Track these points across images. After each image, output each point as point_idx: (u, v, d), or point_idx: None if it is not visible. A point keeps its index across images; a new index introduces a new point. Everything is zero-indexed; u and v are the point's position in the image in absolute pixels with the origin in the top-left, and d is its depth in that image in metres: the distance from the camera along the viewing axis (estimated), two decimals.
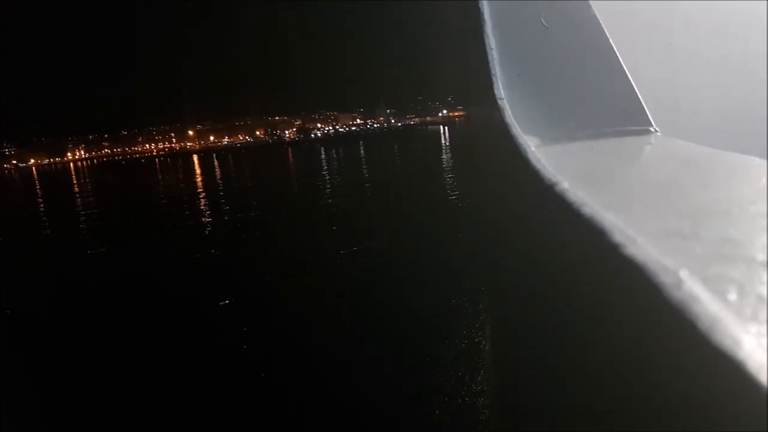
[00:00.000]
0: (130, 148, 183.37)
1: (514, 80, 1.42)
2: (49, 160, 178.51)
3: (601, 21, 1.41)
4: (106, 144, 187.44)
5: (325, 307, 6.44)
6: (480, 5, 1.49)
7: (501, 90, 1.41)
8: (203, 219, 15.83)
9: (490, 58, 1.44)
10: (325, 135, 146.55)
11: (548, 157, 1.06)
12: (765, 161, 0.86)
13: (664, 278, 0.47)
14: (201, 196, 22.41)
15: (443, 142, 50.79)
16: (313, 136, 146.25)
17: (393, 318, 5.97)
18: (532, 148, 1.18)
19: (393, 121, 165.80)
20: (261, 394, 4.65)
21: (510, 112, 1.36)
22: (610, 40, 1.36)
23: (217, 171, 42.27)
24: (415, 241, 9.68)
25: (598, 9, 1.42)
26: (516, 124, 1.31)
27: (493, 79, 1.42)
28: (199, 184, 29.84)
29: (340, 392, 4.48)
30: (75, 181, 47.13)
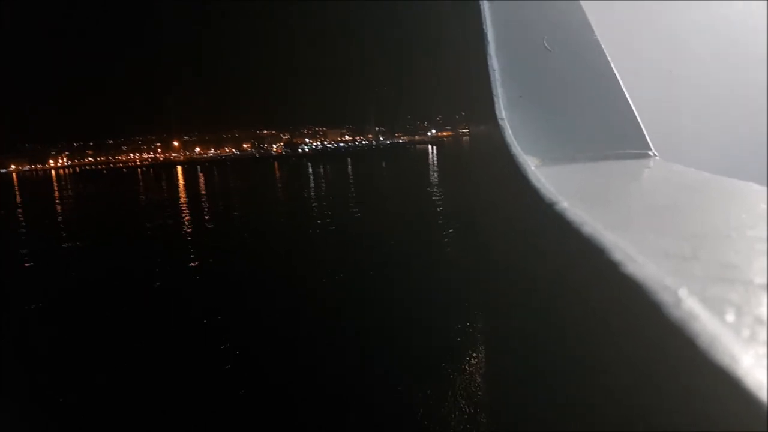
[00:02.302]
0: (113, 157, 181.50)
1: (515, 101, 1.44)
2: (31, 167, 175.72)
3: (602, 45, 1.43)
4: (89, 152, 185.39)
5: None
6: (483, 26, 1.51)
7: (502, 110, 1.42)
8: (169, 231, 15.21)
9: (492, 78, 1.45)
10: (313, 150, 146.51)
11: (548, 177, 1.07)
12: (763, 188, 0.87)
13: (664, 297, 0.48)
14: (173, 213, 20.95)
15: (435, 160, 50.27)
16: (300, 150, 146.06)
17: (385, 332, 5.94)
18: (532, 168, 1.19)
19: (382, 138, 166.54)
20: None
21: (510, 132, 1.37)
22: (611, 64, 1.39)
23: (201, 184, 41.05)
24: (412, 254, 9.61)
25: (600, 33, 1.45)
26: (516, 144, 1.32)
27: (495, 99, 1.43)
28: (172, 198, 28.26)
29: None
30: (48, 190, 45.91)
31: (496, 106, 1.42)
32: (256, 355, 6.00)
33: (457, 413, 4.30)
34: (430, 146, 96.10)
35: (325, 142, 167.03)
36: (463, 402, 4.44)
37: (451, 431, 4.14)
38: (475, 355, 5.15)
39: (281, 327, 6.78)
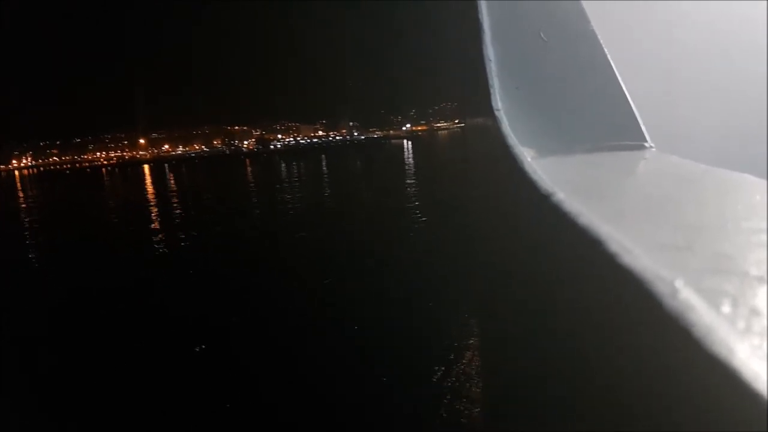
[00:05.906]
0: (79, 156, 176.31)
1: (511, 92, 1.43)
2: None
3: (599, 36, 1.43)
4: (54, 151, 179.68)
5: None
6: (479, 16, 1.49)
7: (498, 101, 1.41)
8: None
9: (488, 69, 1.44)
10: (286, 146, 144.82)
11: (544, 168, 1.07)
12: (759, 180, 0.88)
13: (660, 287, 0.48)
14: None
15: (411, 155, 49.17)
16: (272, 147, 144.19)
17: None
18: (528, 159, 1.18)
19: (356, 133, 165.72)
20: None
21: (507, 124, 1.36)
22: (608, 56, 1.39)
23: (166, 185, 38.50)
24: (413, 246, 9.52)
25: (597, 24, 1.45)
26: (512, 135, 1.31)
27: (491, 90, 1.42)
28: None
29: None
30: None
31: (492, 97, 1.41)
32: None
33: (452, 408, 4.40)
34: (405, 141, 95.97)
35: (298, 138, 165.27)
36: (458, 395, 4.52)
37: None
38: (471, 344, 5.24)
39: None
